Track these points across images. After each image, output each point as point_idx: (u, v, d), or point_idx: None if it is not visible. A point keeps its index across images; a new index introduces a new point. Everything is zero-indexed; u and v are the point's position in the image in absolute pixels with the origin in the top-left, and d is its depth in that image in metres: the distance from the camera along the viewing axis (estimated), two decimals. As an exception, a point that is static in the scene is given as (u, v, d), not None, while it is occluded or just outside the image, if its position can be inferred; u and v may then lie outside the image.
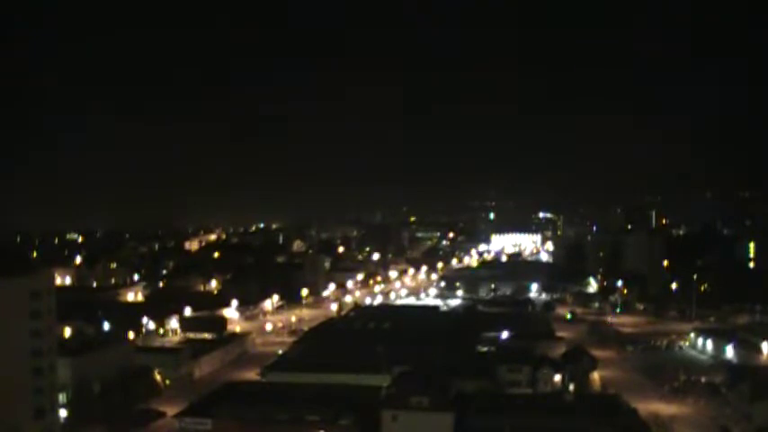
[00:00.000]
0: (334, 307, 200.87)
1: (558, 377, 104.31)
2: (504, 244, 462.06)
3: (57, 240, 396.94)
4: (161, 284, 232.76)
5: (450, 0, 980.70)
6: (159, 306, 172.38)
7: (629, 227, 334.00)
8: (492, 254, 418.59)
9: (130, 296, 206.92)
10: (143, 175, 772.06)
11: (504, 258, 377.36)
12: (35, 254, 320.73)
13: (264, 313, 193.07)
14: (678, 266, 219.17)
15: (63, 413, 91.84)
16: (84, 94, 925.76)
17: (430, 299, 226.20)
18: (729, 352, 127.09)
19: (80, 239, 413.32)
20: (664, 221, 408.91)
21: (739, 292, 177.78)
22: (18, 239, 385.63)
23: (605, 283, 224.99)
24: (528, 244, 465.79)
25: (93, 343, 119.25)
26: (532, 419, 74.79)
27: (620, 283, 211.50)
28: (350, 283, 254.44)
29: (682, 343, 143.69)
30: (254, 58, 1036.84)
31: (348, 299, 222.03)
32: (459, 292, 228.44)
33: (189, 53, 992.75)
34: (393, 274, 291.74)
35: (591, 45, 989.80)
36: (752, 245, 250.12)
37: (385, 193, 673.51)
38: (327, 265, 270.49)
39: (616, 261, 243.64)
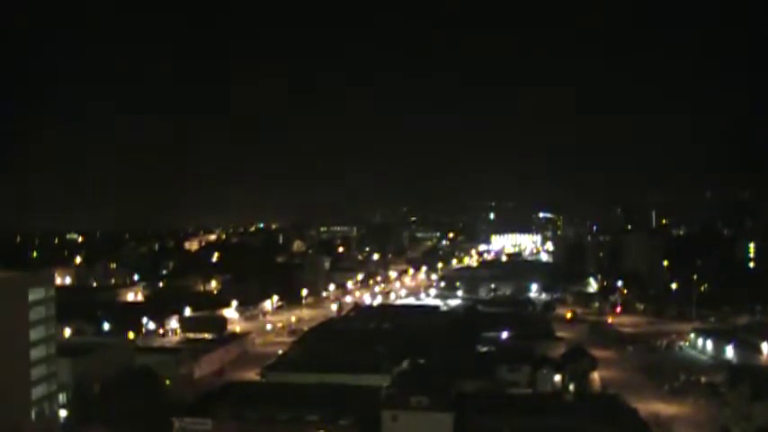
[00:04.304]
0: (334, 307, 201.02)
1: (557, 377, 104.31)
2: (504, 244, 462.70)
3: (57, 240, 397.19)
4: (161, 284, 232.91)
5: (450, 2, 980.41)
6: (159, 306, 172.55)
7: (629, 227, 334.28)
8: (492, 254, 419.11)
9: (130, 296, 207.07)
10: (143, 174, 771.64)
11: (504, 258, 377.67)
12: (35, 254, 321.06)
13: (264, 313, 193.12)
14: (678, 266, 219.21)
15: (63, 413, 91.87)
16: (84, 94, 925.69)
17: (430, 299, 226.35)
18: (729, 352, 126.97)
19: (80, 239, 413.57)
20: (664, 221, 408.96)
21: (739, 292, 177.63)
22: (18, 239, 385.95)
23: (605, 283, 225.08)
24: (528, 244, 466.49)
25: (94, 343, 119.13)
26: (532, 419, 74.72)
27: (620, 283, 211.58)
28: (350, 284, 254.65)
29: (682, 343, 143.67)
30: (254, 58, 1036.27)
31: (348, 299, 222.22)
32: (459, 292, 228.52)
33: (189, 52, 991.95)
34: (393, 274, 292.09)
35: (591, 43, 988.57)
36: (752, 245, 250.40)
37: (385, 193, 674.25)
38: (327, 265, 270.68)
39: (616, 261, 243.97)
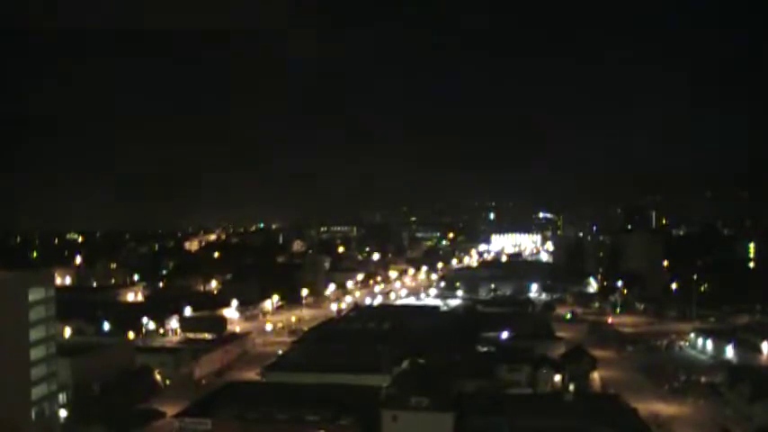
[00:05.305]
0: (334, 307, 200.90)
1: (558, 377, 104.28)
2: (504, 244, 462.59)
3: (57, 240, 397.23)
4: (161, 284, 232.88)
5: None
6: (159, 306, 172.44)
7: (629, 227, 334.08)
8: (492, 254, 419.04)
9: (130, 296, 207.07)
10: (143, 174, 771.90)
11: (504, 258, 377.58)
12: (35, 254, 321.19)
13: (264, 313, 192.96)
14: (678, 266, 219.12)
15: (63, 413, 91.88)
16: (84, 93, 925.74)
17: (430, 299, 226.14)
18: (729, 352, 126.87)
19: (80, 239, 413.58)
20: (664, 221, 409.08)
21: (739, 292, 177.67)
22: (18, 239, 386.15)
23: (605, 283, 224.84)
24: (528, 244, 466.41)
25: (94, 343, 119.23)
26: (532, 419, 74.68)
27: (620, 283, 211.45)
28: (350, 283, 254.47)
29: (682, 343, 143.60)
30: (254, 59, 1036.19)
31: (348, 299, 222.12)
32: (459, 292, 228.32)
33: (188, 51, 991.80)
34: (393, 274, 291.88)
35: (591, 43, 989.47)
36: (752, 245, 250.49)
37: (385, 192, 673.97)
38: (327, 265, 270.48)
39: (616, 261, 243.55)
